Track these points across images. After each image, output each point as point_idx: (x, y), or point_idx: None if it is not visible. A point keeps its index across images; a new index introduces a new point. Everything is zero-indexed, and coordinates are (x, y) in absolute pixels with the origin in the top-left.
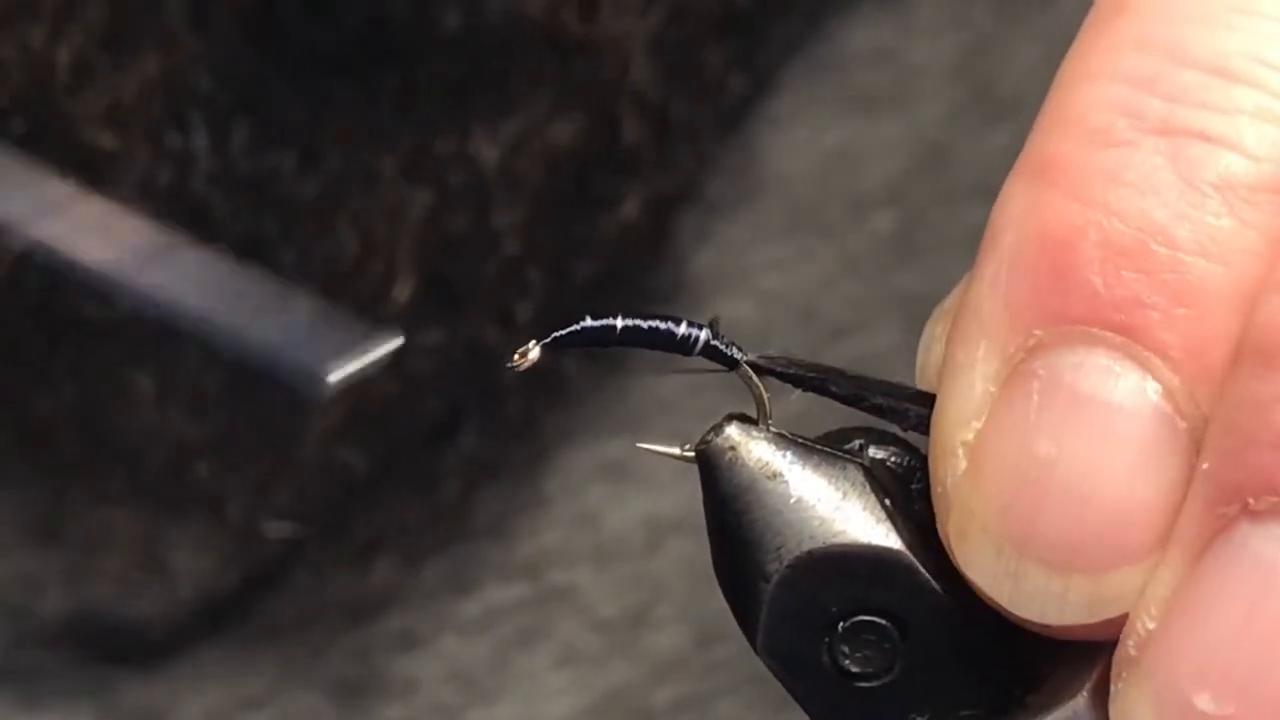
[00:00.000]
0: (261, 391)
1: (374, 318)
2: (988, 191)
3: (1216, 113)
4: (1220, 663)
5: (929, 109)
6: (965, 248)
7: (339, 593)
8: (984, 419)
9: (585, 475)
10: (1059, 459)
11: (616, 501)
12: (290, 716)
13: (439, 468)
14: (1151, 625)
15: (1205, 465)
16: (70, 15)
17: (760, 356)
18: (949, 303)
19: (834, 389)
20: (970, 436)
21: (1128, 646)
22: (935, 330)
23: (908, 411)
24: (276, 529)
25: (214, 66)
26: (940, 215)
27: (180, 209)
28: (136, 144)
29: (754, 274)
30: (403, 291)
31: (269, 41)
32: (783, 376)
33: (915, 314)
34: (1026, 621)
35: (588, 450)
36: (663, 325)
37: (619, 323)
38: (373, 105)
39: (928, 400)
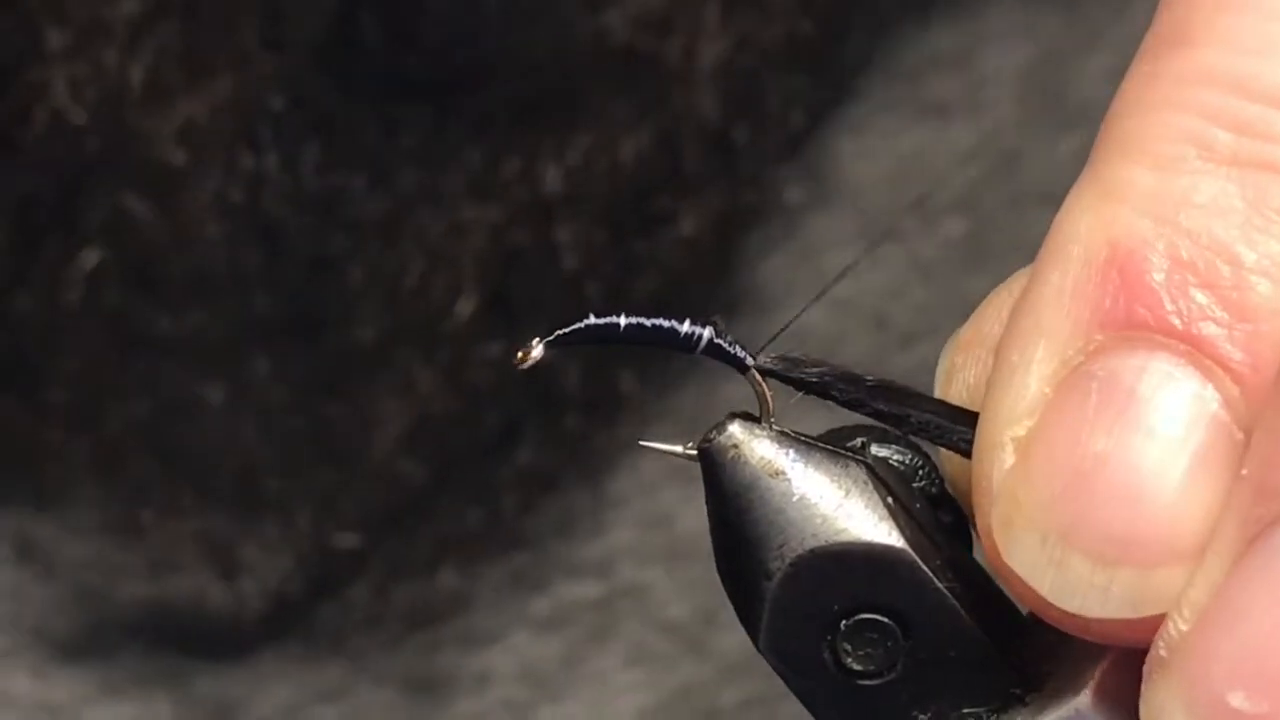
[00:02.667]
0: (327, 404)
1: (437, 332)
2: (1057, 199)
3: None
4: (1255, 661)
5: (999, 117)
6: (1033, 254)
7: (403, 603)
8: (1037, 417)
9: (658, 476)
10: (1113, 455)
11: (689, 503)
12: (362, 711)
13: (498, 480)
14: (1184, 627)
15: (1245, 471)
16: (144, 34)
17: (766, 358)
18: (964, 333)
19: (835, 393)
20: (1021, 433)
21: (1159, 648)
22: (956, 359)
23: (909, 417)
24: (343, 539)
25: (286, 87)
26: (1010, 222)
27: (252, 227)
28: (209, 162)
29: (824, 280)
30: (466, 307)
31: (343, 64)
32: (785, 379)
33: None
34: (1062, 615)
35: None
36: (665, 324)
37: (622, 321)
38: (444, 127)
39: (932, 405)
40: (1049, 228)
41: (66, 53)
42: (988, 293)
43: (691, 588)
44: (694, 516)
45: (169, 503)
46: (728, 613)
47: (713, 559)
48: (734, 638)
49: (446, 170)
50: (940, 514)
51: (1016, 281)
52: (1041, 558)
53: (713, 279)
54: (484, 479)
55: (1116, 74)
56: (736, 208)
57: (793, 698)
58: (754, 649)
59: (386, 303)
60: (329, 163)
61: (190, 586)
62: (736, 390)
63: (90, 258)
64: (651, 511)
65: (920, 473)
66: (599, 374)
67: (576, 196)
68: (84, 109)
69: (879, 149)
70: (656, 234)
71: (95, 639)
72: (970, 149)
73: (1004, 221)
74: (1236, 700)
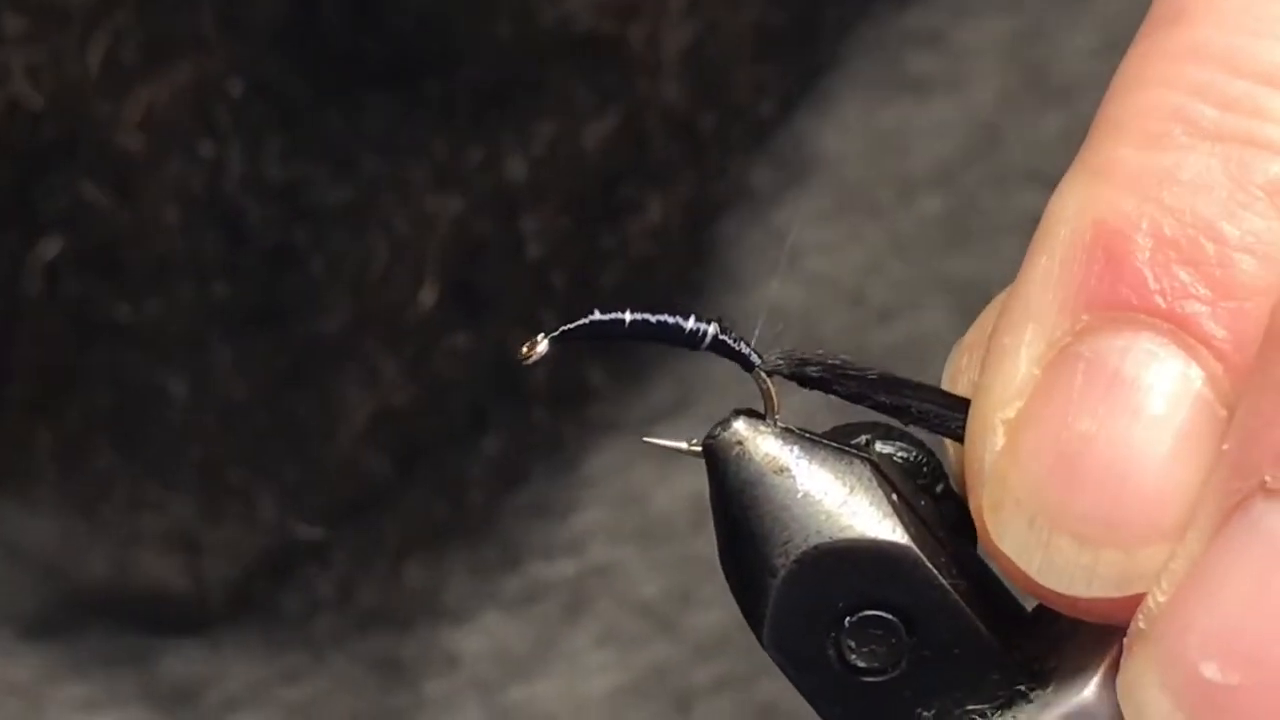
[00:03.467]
0: (290, 395)
1: (401, 322)
2: (1038, 175)
3: (1267, 121)
4: (1229, 634)
5: (980, 92)
6: (1015, 231)
7: (368, 595)
8: (1025, 399)
9: (631, 455)
10: (1098, 436)
11: (662, 482)
12: (331, 690)
13: (464, 472)
14: (1162, 599)
15: (1226, 446)
16: (102, 19)
17: (772, 354)
18: (969, 336)
19: (837, 389)
20: (1011, 415)
21: (1138, 621)
22: (960, 362)
23: (910, 408)
24: (307, 532)
25: (247, 72)
26: (990, 199)
27: (212, 216)
28: (169, 149)
29: (801, 256)
30: (430, 297)
31: (303, 48)
32: (789, 376)
33: (964, 298)
34: (1051, 595)
35: (633, 430)
36: (670, 319)
37: (627, 316)
38: (409, 115)
39: (934, 395)
40: (1029, 204)
41: (24, 38)
42: (967, 270)
43: (664, 567)
44: (666, 496)
45: (131, 494)
46: (700, 592)
47: (686, 537)
48: (707, 617)
49: (410, 158)
50: (945, 510)
51: None
52: (1030, 539)
53: (681, 268)
54: (450, 471)
55: (1099, 49)
56: (704, 197)
57: (766, 677)
58: (727, 627)
59: (350, 292)
60: (291, 150)
61: (153, 576)
62: (709, 380)
63: (50, 247)
64: (624, 491)
65: (925, 469)
66: (567, 365)
67: (541, 185)
68: (42, 95)
69: (857, 124)
70: (623, 223)
71: (58, 618)
72: (950, 124)
73: (984, 198)
74: (1209, 671)
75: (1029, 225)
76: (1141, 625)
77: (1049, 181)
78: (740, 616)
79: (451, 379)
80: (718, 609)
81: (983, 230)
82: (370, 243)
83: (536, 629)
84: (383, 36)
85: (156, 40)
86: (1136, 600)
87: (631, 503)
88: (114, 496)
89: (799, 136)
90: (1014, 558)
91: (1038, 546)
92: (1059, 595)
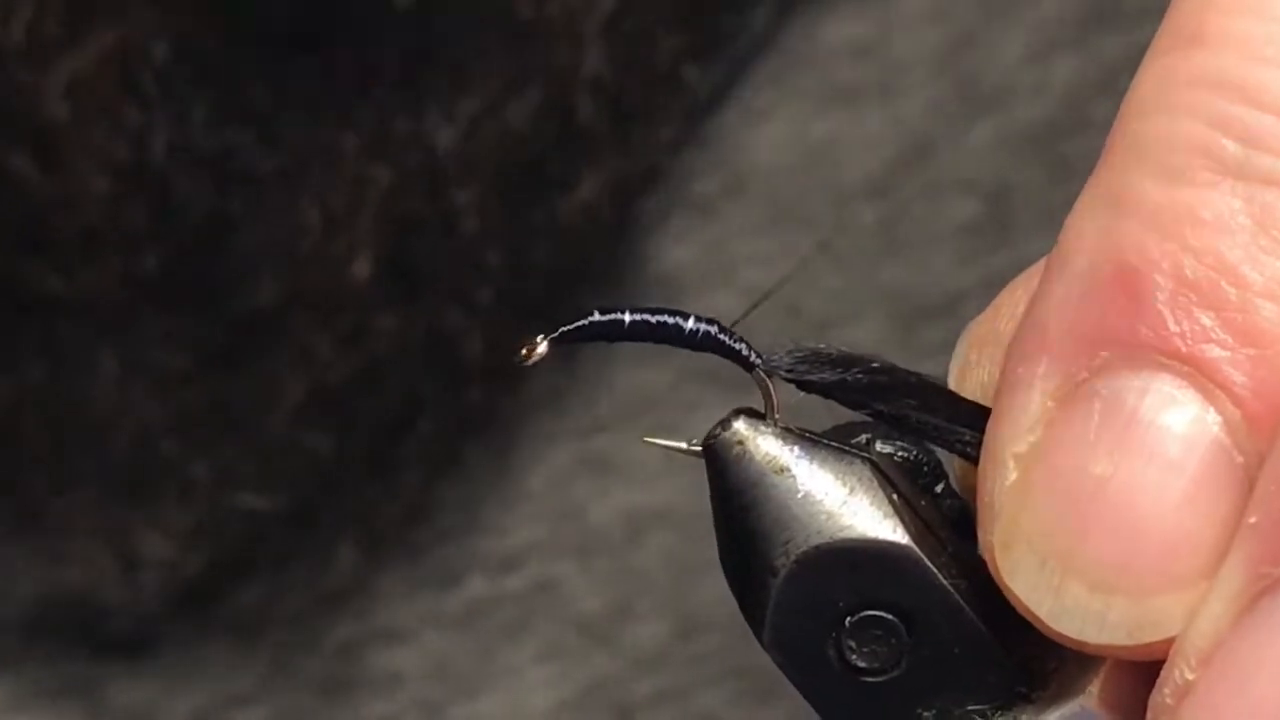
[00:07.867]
0: (223, 371)
1: (335, 297)
2: (971, 185)
3: None
4: None
5: (911, 102)
6: (948, 240)
7: (303, 580)
8: (1039, 433)
9: (568, 469)
10: (1113, 478)
11: (599, 495)
12: (278, 713)
13: (400, 453)
14: (1190, 676)
15: (1253, 519)
16: None
17: (773, 355)
18: (979, 327)
19: (838, 395)
20: (1023, 449)
21: (1164, 694)
22: (970, 355)
23: (909, 418)
24: (247, 500)
25: (170, 38)
26: (923, 208)
27: (140, 185)
28: (94, 118)
29: (736, 269)
30: (362, 270)
31: (225, 14)
32: (789, 378)
33: (899, 307)
34: (1063, 637)
35: (571, 445)
36: (670, 320)
37: (626, 317)
38: (331, 82)
39: (944, 398)
40: (961, 213)
41: None
42: (901, 280)
43: (603, 581)
44: (605, 509)
45: (62, 472)
46: (639, 605)
47: (623, 551)
48: (646, 630)
49: (338, 128)
50: (945, 509)
51: (1034, 277)
52: (1041, 581)
53: (612, 246)
54: (385, 452)
55: (1030, 58)
56: (631, 173)
57: (704, 689)
58: (665, 641)
59: (281, 265)
60: (217, 117)
61: (86, 568)
62: (630, 357)
63: None
64: (562, 505)
65: (925, 468)
66: (502, 344)
67: (471, 159)
68: None
69: (789, 136)
70: (554, 198)
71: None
72: (881, 135)
73: (917, 208)
74: None
75: (962, 234)
76: (1169, 700)
77: (981, 191)
78: (677, 629)
79: (386, 357)
80: (656, 622)
81: (916, 240)
82: (302, 214)
83: (478, 646)
84: (289, 2)
85: (79, 8)
86: (1150, 646)
87: (569, 518)
88: (45, 474)
89: (733, 150)
90: (1024, 599)
91: (1049, 590)
92: (1070, 639)
